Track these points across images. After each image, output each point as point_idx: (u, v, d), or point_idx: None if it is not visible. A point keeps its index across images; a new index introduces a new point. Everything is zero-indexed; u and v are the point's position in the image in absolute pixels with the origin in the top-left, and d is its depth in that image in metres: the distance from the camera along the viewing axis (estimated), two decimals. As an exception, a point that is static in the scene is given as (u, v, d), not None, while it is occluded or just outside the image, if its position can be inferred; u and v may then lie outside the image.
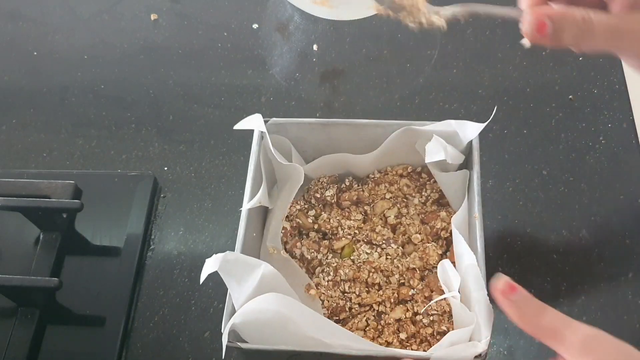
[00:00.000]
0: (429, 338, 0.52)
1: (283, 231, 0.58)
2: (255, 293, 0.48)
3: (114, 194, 0.67)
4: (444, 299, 0.52)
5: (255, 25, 0.80)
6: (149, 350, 0.58)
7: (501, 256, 0.61)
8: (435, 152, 0.54)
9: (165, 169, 0.69)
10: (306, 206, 0.60)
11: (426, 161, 0.55)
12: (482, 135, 0.69)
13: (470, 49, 0.76)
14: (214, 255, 0.47)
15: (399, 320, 0.53)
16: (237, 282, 0.48)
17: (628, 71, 0.73)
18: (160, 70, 0.77)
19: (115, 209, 0.66)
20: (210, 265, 0.47)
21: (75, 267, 0.63)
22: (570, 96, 0.71)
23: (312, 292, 0.55)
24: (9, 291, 0.59)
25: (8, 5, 0.85)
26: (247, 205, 0.54)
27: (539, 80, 0.73)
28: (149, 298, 0.61)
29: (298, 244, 0.58)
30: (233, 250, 0.52)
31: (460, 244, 0.52)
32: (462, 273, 0.50)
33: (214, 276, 0.56)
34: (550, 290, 0.59)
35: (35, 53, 0.80)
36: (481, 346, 0.45)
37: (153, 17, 0.82)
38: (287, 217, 0.59)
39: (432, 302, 0.52)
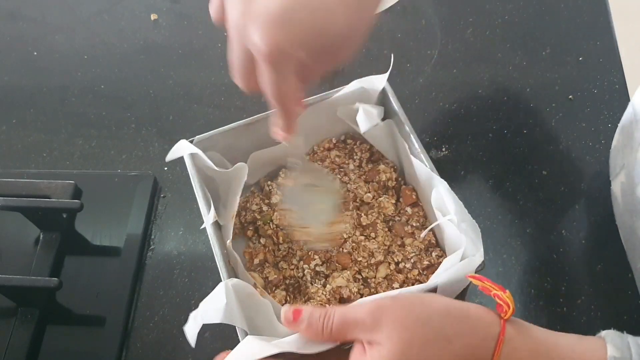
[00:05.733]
0: (418, 278, 0.55)
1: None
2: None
3: (114, 194, 0.67)
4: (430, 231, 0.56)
5: (255, 25, 0.80)
6: (149, 350, 0.58)
7: (500, 256, 0.61)
8: (366, 120, 0.57)
9: (165, 169, 0.69)
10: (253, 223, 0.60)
11: (362, 132, 0.58)
12: (482, 135, 0.69)
13: (470, 49, 0.76)
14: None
15: (386, 277, 0.56)
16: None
17: (628, 71, 0.73)
18: (160, 70, 0.77)
19: (115, 209, 0.66)
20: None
21: (75, 267, 0.63)
22: (570, 96, 0.71)
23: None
24: (9, 291, 0.59)
25: (8, 5, 0.85)
26: (210, 219, 0.53)
27: (539, 80, 0.73)
28: (149, 298, 0.61)
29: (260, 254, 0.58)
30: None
31: (426, 175, 0.54)
32: (438, 202, 0.53)
33: (214, 277, 0.56)
34: (550, 290, 0.59)
35: (35, 53, 0.80)
36: (478, 259, 0.48)
37: (153, 17, 0.82)
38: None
39: (428, 229, 0.55)
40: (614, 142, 0.64)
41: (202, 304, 0.48)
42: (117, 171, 0.69)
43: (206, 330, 0.58)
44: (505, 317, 0.42)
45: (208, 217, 0.53)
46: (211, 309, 0.47)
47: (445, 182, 0.52)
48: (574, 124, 0.69)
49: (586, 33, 0.76)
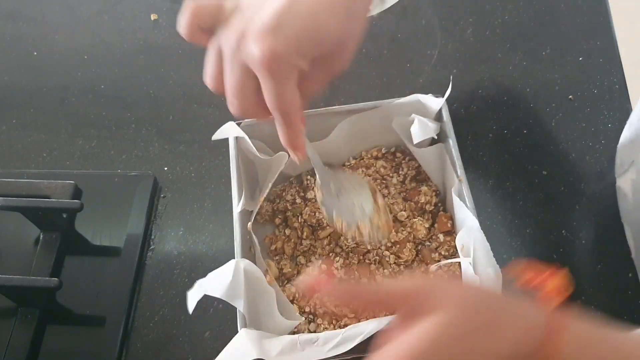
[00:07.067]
0: None
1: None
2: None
3: (114, 194, 0.67)
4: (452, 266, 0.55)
5: (255, 25, 0.80)
6: (149, 350, 0.58)
7: (500, 256, 0.61)
8: (421, 131, 0.56)
9: (165, 169, 0.69)
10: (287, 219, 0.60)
11: (414, 142, 0.57)
12: (482, 135, 0.69)
13: (470, 49, 0.76)
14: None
15: None
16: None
17: (628, 71, 0.73)
18: (160, 70, 0.77)
19: (115, 209, 0.66)
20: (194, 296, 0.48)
21: (75, 267, 0.63)
22: (570, 96, 0.71)
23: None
24: (9, 291, 0.60)
25: (8, 5, 0.85)
26: (237, 209, 0.54)
27: (539, 80, 0.73)
28: (149, 298, 0.61)
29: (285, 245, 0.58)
30: (233, 250, 0.52)
31: (462, 209, 0.54)
32: (465, 240, 0.52)
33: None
34: (550, 290, 0.59)
35: (35, 53, 0.80)
36: None
37: (153, 17, 0.82)
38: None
39: (440, 263, 0.55)
40: (622, 139, 0.63)
41: (209, 274, 0.48)
42: (117, 171, 0.69)
43: (206, 330, 0.58)
44: (560, 299, 0.41)
45: (238, 206, 0.54)
46: (216, 282, 0.48)
47: (477, 222, 0.52)
48: (574, 124, 0.69)
49: (586, 33, 0.76)
